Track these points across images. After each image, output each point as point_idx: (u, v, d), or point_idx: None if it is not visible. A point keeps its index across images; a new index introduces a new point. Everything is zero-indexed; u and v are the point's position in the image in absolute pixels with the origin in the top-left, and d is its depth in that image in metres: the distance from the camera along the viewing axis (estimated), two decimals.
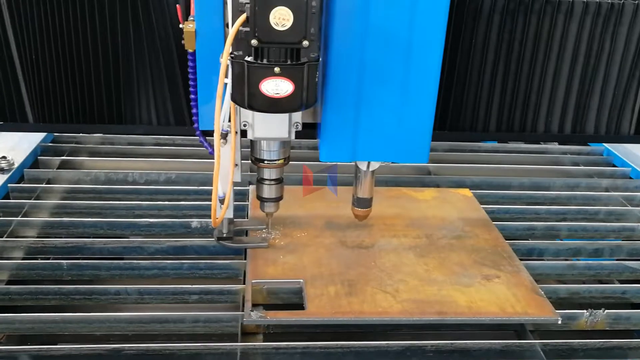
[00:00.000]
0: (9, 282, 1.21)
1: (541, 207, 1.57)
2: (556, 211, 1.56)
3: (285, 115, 1.09)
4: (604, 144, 1.93)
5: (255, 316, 1.06)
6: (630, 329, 1.18)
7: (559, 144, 1.96)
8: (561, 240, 1.47)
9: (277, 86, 0.95)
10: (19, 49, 1.25)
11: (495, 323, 1.11)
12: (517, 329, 1.14)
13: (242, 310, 1.09)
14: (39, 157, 1.68)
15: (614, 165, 1.86)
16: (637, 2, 1.32)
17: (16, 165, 1.58)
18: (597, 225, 1.50)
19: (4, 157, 1.58)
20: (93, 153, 1.75)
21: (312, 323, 1.08)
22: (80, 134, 1.80)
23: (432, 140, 1.12)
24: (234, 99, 0.99)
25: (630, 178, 1.78)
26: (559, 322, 1.11)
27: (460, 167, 1.77)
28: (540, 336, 1.12)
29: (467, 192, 1.58)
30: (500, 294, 1.16)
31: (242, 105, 0.98)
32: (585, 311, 1.16)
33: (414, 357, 1.05)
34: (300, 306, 1.11)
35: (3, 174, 1.55)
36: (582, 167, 1.83)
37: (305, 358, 1.03)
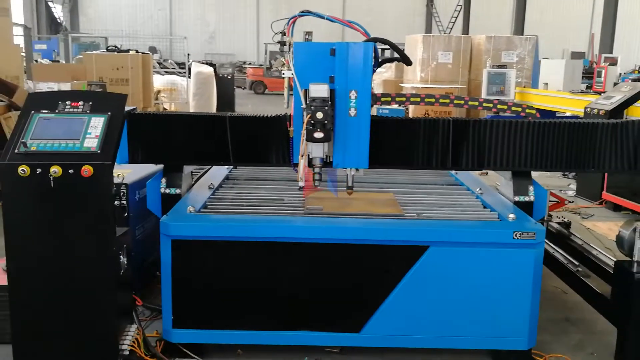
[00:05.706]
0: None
1: (423, 195, 3.92)
2: (430, 197, 3.91)
3: (321, 146, 3.47)
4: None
5: (311, 209, 3.45)
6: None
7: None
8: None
9: (319, 134, 3.36)
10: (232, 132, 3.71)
11: (387, 217, 3.47)
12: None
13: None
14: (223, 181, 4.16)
15: (458, 183, 4.28)
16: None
17: (215, 186, 4.03)
18: (444, 202, 3.84)
19: (211, 184, 4.03)
20: (246, 179, 4.25)
21: (337, 213, 3.45)
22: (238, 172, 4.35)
23: (371, 167, 3.52)
24: (307, 139, 3.41)
25: (466, 190, 4.16)
26: (405, 216, 3.45)
27: (389, 187, 4.14)
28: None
29: (391, 194, 3.94)
30: (390, 211, 3.52)
31: (308, 140, 3.39)
32: (415, 214, 3.49)
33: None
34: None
35: (213, 190, 3.99)
36: (443, 184, 4.26)
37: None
